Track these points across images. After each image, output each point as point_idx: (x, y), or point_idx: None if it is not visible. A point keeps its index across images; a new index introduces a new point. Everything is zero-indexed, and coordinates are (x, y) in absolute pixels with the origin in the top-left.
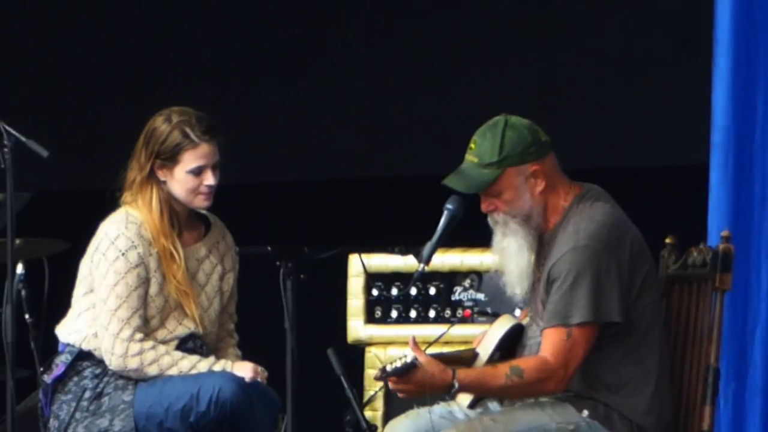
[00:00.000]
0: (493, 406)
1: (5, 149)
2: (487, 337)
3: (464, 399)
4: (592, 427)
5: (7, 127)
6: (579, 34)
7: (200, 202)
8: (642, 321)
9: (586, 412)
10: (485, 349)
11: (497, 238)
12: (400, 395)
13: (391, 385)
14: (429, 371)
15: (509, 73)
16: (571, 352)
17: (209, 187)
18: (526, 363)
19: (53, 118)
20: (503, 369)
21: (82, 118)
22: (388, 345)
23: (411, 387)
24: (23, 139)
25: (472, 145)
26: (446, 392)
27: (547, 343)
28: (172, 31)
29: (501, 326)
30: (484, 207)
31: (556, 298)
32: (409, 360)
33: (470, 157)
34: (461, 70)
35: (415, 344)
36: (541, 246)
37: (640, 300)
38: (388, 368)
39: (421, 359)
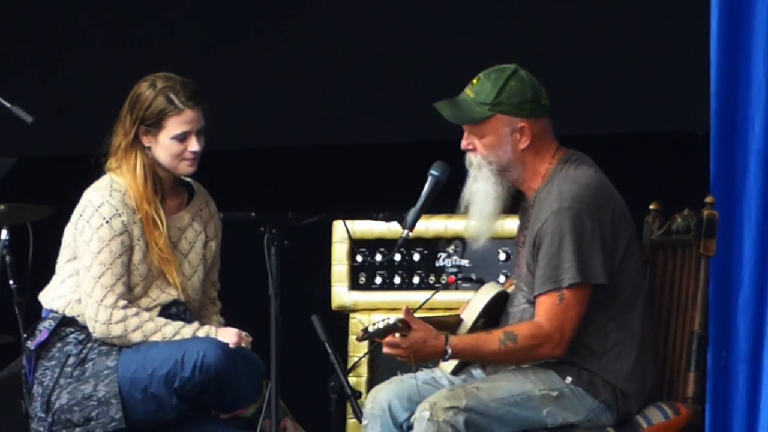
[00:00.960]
0: (477, 372)
1: None
2: (472, 303)
3: (448, 365)
4: (576, 393)
5: None
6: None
7: (185, 169)
8: (626, 286)
9: (569, 379)
10: (469, 315)
11: (468, 182)
12: (398, 358)
13: (385, 348)
14: (421, 336)
15: (498, 38)
16: (565, 315)
17: (193, 153)
18: (520, 328)
19: (37, 84)
20: (497, 334)
21: (66, 83)
22: (372, 311)
23: (403, 351)
24: (7, 104)
25: (475, 81)
26: (439, 357)
27: (541, 309)
28: None
29: (486, 293)
30: (464, 143)
31: (544, 263)
32: (391, 321)
33: (468, 91)
34: (447, 34)
35: (408, 311)
36: (524, 210)
37: (624, 265)
38: (370, 329)
39: (414, 325)
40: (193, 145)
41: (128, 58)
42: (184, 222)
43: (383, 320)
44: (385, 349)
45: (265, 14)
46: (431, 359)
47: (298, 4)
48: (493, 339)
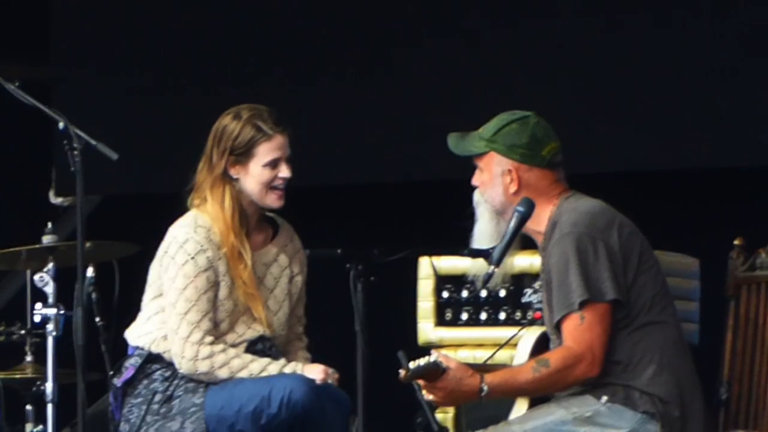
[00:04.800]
0: None
1: (75, 152)
2: (519, 350)
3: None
4: (613, 410)
5: (77, 130)
6: (644, 38)
7: (273, 201)
8: (644, 298)
9: (604, 398)
10: (518, 361)
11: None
12: (434, 403)
13: (424, 392)
14: (457, 376)
15: (559, 72)
16: (591, 334)
17: (284, 179)
18: (551, 354)
19: (123, 122)
20: (529, 364)
21: (150, 121)
22: (458, 347)
23: (440, 393)
24: (93, 142)
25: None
26: (476, 397)
27: (566, 333)
28: (242, 37)
29: (529, 338)
30: (473, 180)
31: (556, 290)
32: (432, 359)
33: (481, 128)
34: (523, 74)
35: (440, 353)
36: (541, 259)
37: (639, 278)
38: (411, 366)
39: (450, 365)
40: (284, 171)
41: (212, 96)
42: (269, 257)
43: (425, 358)
44: (424, 393)
45: (350, 51)
46: (468, 399)
47: (380, 40)
48: (527, 369)
